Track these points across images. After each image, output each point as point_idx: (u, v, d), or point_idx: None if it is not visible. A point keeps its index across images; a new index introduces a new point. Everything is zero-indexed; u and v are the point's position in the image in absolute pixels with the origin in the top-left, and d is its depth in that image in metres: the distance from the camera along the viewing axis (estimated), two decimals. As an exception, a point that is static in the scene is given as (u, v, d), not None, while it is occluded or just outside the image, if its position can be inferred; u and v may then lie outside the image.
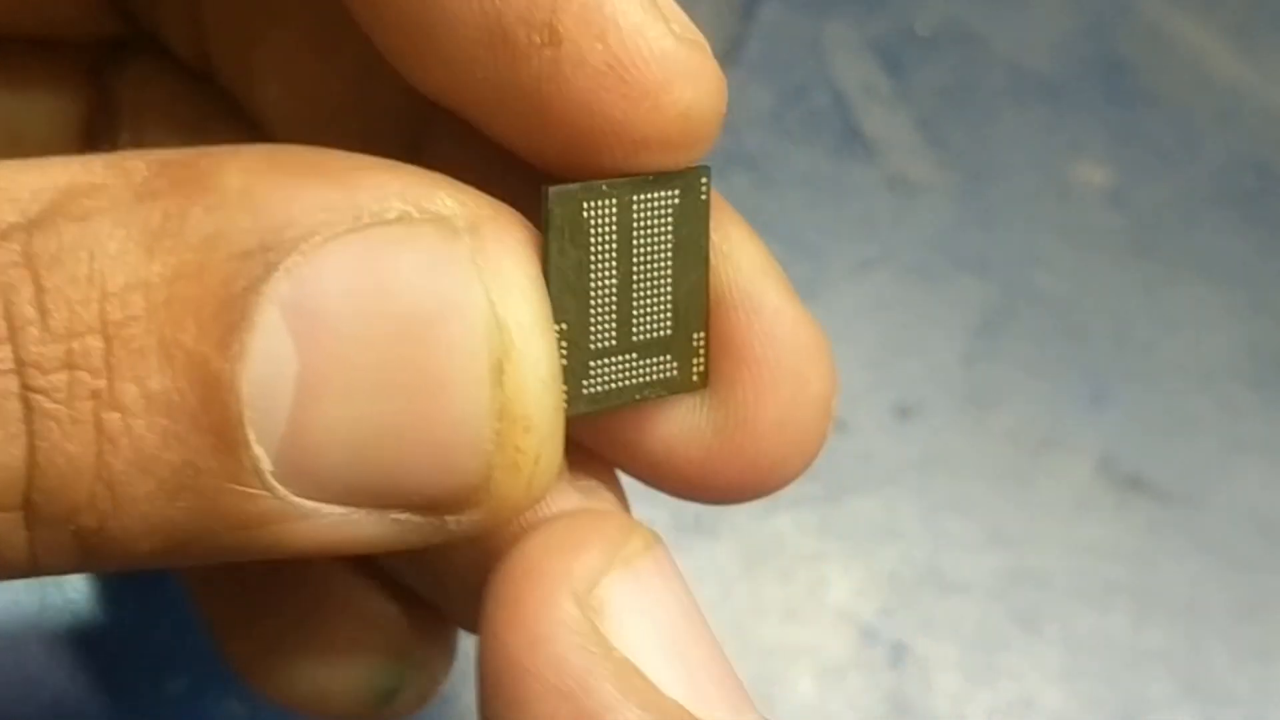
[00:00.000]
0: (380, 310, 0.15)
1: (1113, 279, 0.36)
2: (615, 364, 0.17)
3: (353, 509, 0.15)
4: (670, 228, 0.17)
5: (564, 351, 0.16)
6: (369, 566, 0.23)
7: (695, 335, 0.17)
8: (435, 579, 0.22)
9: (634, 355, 0.17)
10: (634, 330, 0.17)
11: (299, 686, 0.23)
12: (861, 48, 0.38)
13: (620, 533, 0.17)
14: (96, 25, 0.23)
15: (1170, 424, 0.34)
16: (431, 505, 0.16)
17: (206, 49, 0.22)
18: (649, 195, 0.17)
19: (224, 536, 0.15)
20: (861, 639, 0.31)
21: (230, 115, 0.22)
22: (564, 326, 0.16)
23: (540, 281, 0.16)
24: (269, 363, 0.14)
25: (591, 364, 0.17)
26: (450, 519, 0.16)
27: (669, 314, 0.17)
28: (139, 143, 0.23)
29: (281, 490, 0.15)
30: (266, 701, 0.23)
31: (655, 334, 0.17)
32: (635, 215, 0.17)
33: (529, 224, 0.16)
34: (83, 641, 0.29)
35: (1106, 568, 0.32)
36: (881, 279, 0.35)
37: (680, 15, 0.17)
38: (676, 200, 0.17)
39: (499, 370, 0.15)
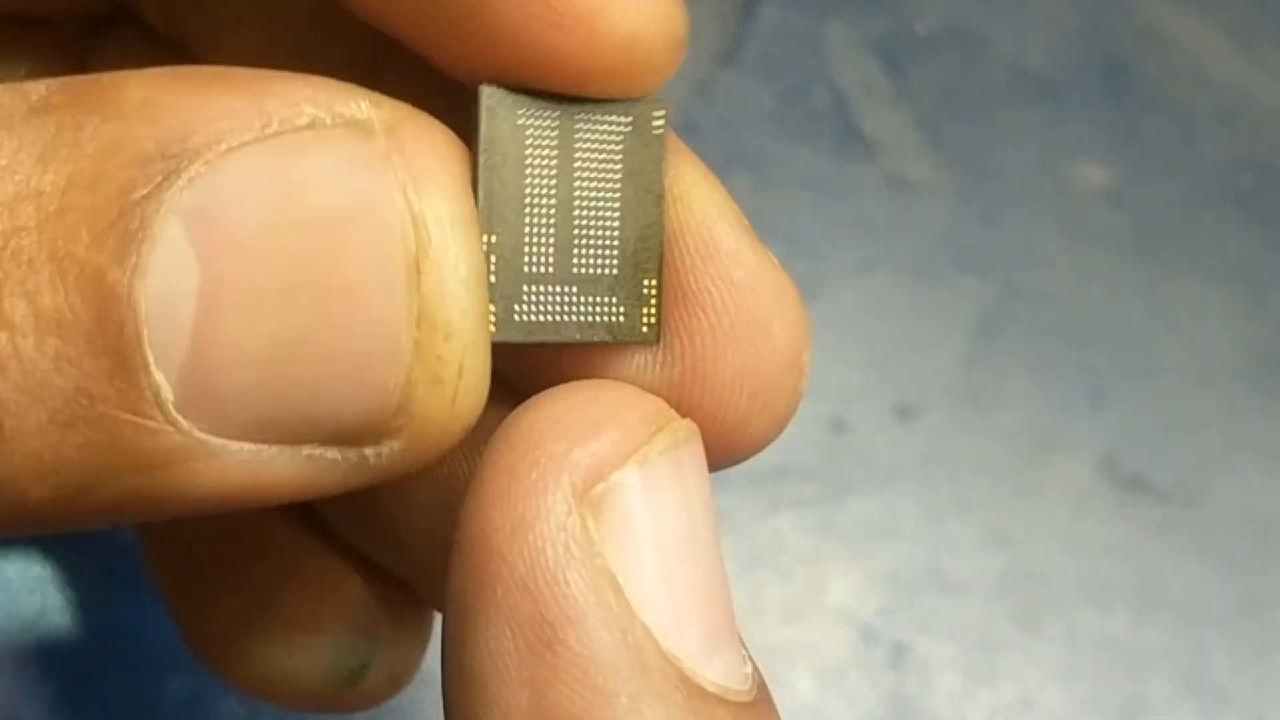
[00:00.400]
0: (287, 216, 0.14)
1: (1113, 279, 0.36)
2: (552, 294, 0.16)
3: (263, 445, 0.14)
4: (619, 158, 0.16)
5: (493, 267, 0.15)
6: (333, 539, 0.22)
7: (646, 282, 0.16)
8: (401, 551, 0.21)
9: (574, 289, 0.16)
10: (574, 262, 0.16)
11: (261, 668, 0.22)
12: (861, 48, 0.38)
13: (645, 424, 0.15)
14: (76, 2, 0.22)
15: (1170, 424, 0.34)
16: (349, 435, 0.14)
17: (177, 20, 0.22)
18: (596, 118, 0.16)
19: (125, 480, 0.14)
20: (861, 639, 0.31)
21: None
22: (493, 239, 0.15)
23: (464, 179, 0.14)
24: (169, 276, 0.13)
25: (525, 288, 0.15)
26: (370, 451, 0.14)
27: (615, 252, 0.16)
28: None
29: (185, 424, 0.14)
30: (233, 688, 0.23)
31: (598, 270, 0.16)
32: (579, 136, 0.16)
33: (453, 132, 0.15)
34: (83, 641, 0.29)
35: (1106, 568, 0.32)
36: (881, 279, 0.35)
37: None
38: (628, 129, 0.16)
39: (416, 271, 0.14)
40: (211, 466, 0.14)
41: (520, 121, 0.15)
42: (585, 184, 0.16)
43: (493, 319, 0.15)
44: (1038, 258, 0.36)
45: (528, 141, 0.15)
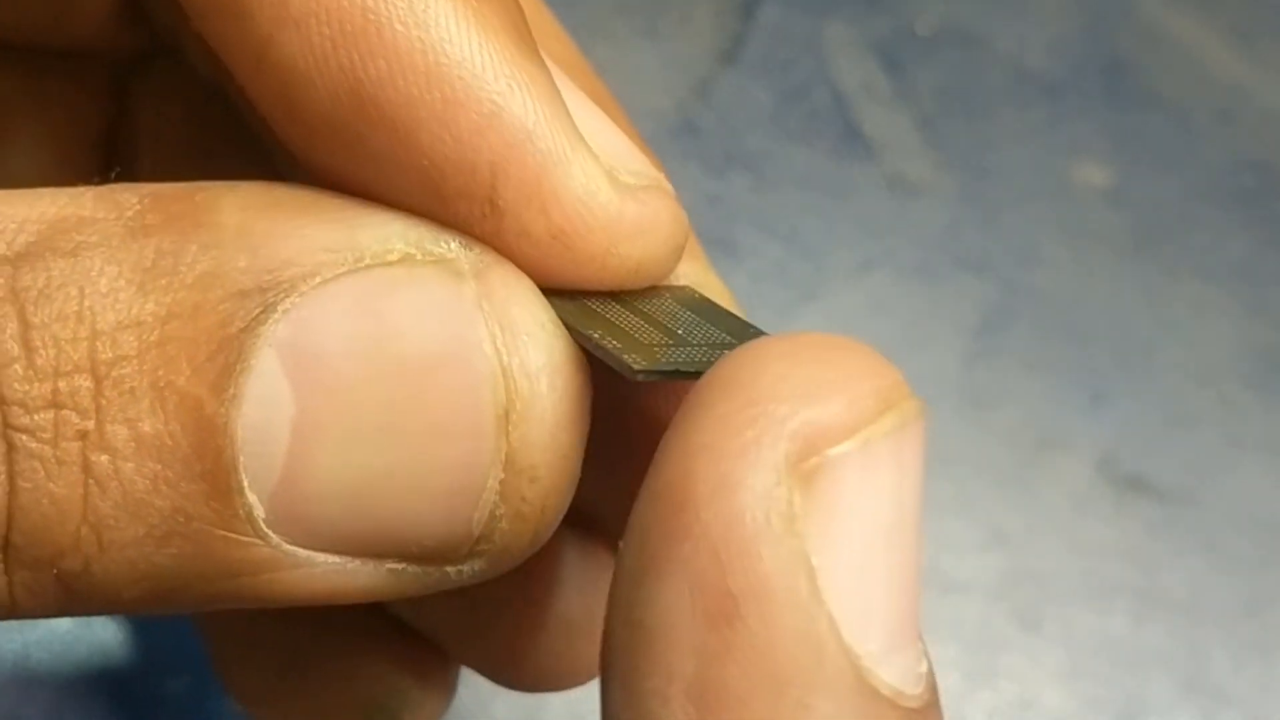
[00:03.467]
0: (380, 355, 0.14)
1: (1113, 279, 0.36)
2: (683, 350, 0.16)
3: (348, 558, 0.15)
4: (677, 304, 0.17)
5: (615, 342, 0.15)
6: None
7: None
8: (431, 612, 0.22)
9: (700, 347, 0.16)
10: (685, 336, 0.16)
11: (294, 718, 0.23)
12: (861, 48, 0.38)
13: (876, 399, 0.14)
14: (120, 37, 0.23)
15: (1170, 424, 0.34)
16: (431, 556, 0.15)
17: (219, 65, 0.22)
18: (632, 300, 0.16)
19: (214, 585, 0.14)
20: (861, 639, 0.31)
21: (244, 127, 0.22)
22: (598, 333, 0.15)
23: (552, 326, 0.15)
24: (265, 407, 0.14)
25: (655, 348, 0.15)
26: (451, 569, 0.15)
27: (720, 333, 0.16)
28: (157, 156, 0.23)
29: (274, 538, 0.14)
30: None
31: (713, 339, 0.16)
32: (626, 300, 0.16)
33: None
34: (83, 642, 0.29)
35: (1106, 568, 0.32)
36: (881, 279, 0.35)
37: (629, 152, 0.16)
38: (669, 297, 0.17)
39: (504, 419, 0.15)
40: (297, 575, 0.15)
41: (572, 296, 0.16)
42: (660, 316, 0.16)
43: (638, 361, 0.15)
44: (1038, 258, 0.36)
45: (592, 305, 0.16)
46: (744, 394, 0.14)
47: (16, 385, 0.14)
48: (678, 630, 0.13)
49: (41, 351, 0.14)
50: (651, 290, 0.17)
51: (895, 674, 0.14)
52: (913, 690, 0.14)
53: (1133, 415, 0.34)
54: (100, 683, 0.29)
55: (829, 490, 0.14)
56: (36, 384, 0.14)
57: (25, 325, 0.14)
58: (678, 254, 0.16)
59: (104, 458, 0.14)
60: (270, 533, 0.14)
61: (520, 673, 0.22)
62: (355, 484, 0.14)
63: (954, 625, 0.31)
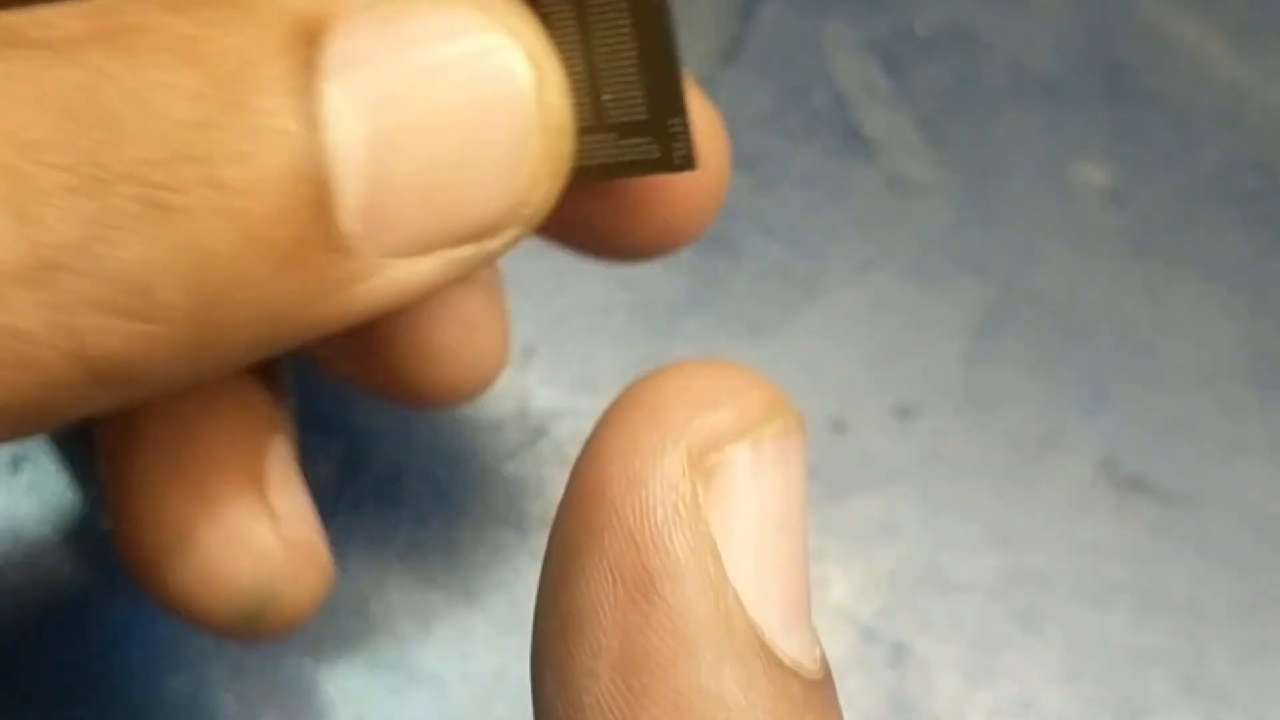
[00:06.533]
0: (427, 62, 0.16)
1: (1113, 279, 0.36)
2: (597, 140, 0.18)
3: (415, 258, 0.17)
4: (630, 25, 0.18)
5: None
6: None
7: (671, 120, 0.18)
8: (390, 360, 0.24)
9: (614, 135, 0.18)
10: (610, 113, 0.18)
11: (173, 588, 0.24)
12: (861, 48, 0.38)
13: (762, 407, 0.16)
14: None
15: (1170, 424, 0.34)
16: (480, 233, 0.17)
17: None
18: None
19: (312, 309, 0.16)
20: (861, 639, 0.31)
21: None
22: None
23: (534, 19, 0.17)
24: (343, 129, 0.16)
25: (579, 139, 0.18)
26: (489, 243, 0.17)
27: (642, 100, 0.18)
28: None
29: (363, 251, 0.16)
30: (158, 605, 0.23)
31: (632, 117, 0.18)
32: (591, 17, 0.18)
33: None
34: (83, 641, 0.29)
35: (1106, 568, 0.32)
36: (881, 279, 0.35)
37: None
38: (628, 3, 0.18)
39: (537, 87, 0.17)
40: (374, 284, 0.16)
41: (545, 11, 0.18)
42: (605, 51, 0.18)
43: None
44: (1038, 258, 0.36)
45: (553, 26, 0.18)
46: (648, 405, 0.16)
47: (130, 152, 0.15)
48: (603, 611, 0.15)
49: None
50: None
51: (794, 648, 0.15)
52: (811, 665, 0.16)
53: (1133, 415, 0.34)
54: (100, 683, 0.29)
55: (727, 483, 0.16)
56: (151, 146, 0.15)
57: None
58: None
59: (225, 196, 0.15)
60: (359, 247, 0.16)
61: (423, 383, 0.24)
62: (428, 183, 0.16)
63: (954, 625, 0.31)
